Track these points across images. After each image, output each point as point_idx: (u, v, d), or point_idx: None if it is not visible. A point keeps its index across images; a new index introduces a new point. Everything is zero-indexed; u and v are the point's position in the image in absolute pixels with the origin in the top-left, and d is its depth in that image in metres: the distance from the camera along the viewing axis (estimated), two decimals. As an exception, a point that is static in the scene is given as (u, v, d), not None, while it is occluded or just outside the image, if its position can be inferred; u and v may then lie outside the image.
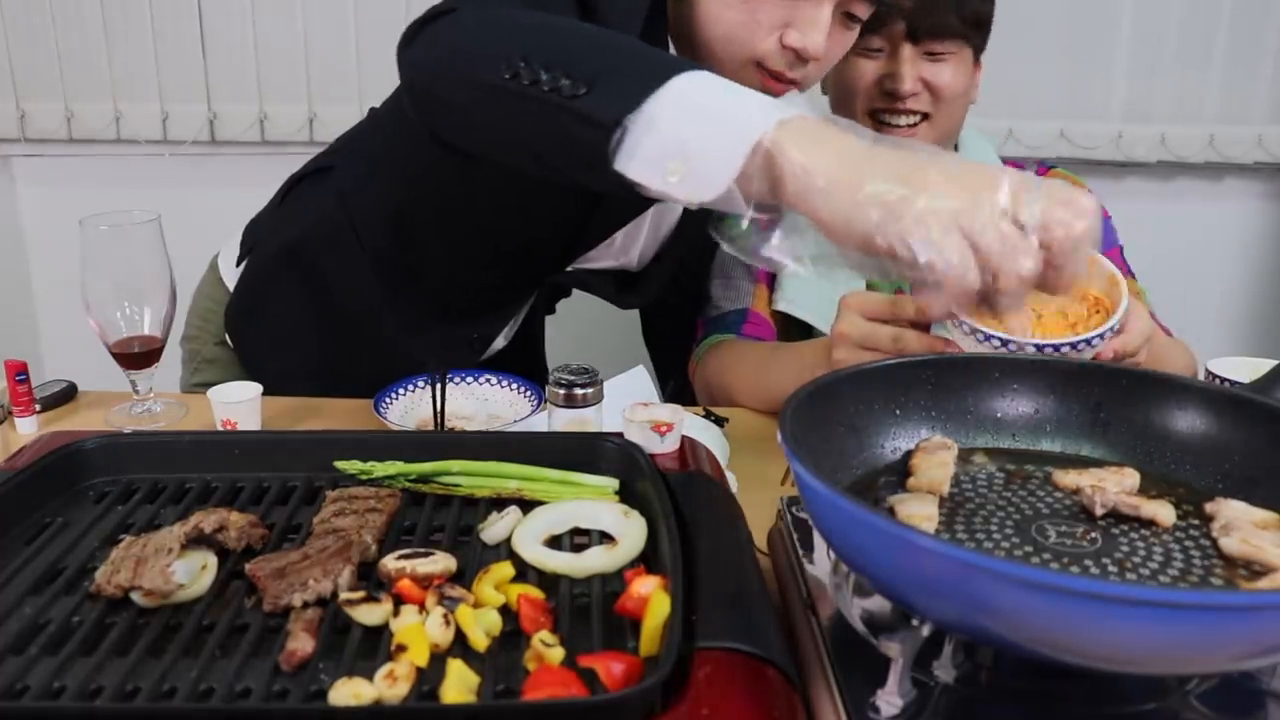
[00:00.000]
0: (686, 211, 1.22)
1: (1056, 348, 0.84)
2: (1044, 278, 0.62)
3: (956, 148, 1.32)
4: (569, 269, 1.23)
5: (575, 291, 1.34)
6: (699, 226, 1.25)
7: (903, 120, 1.20)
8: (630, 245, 1.24)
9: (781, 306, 1.26)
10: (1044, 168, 1.35)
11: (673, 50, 1.08)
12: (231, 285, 1.27)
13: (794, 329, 1.25)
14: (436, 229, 1.16)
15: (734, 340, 1.25)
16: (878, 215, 0.60)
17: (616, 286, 1.31)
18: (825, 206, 0.63)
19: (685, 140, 0.66)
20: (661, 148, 0.67)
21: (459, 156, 0.92)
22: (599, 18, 0.95)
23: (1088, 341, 0.85)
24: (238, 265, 1.26)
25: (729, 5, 0.99)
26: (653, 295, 1.33)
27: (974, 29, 1.20)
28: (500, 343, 1.32)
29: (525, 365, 1.32)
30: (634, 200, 0.78)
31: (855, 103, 1.22)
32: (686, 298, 1.37)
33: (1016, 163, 1.35)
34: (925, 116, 1.21)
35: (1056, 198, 0.61)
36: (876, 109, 1.21)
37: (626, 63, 0.72)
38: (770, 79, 1.03)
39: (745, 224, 0.67)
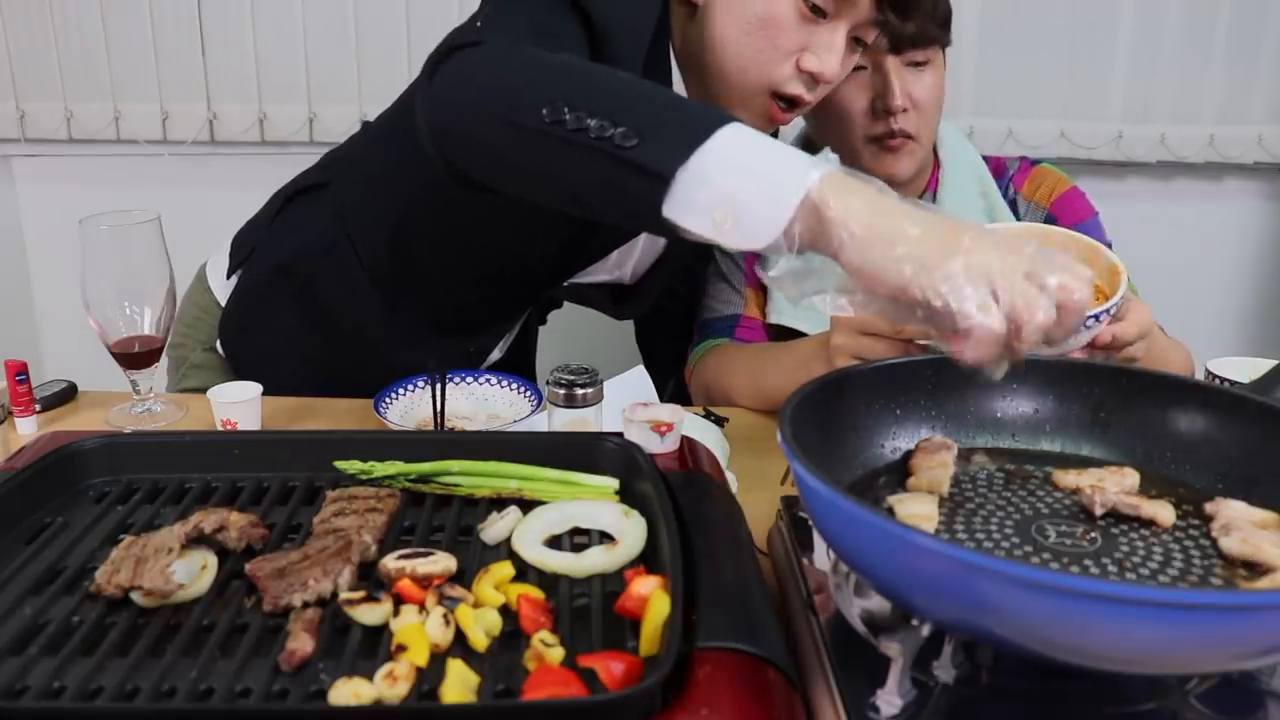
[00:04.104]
0: None
1: None
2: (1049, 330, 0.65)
3: (936, 148, 1.32)
4: (564, 283, 1.23)
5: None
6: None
7: (895, 139, 1.19)
8: (625, 259, 1.24)
9: (774, 319, 1.26)
10: (1027, 163, 1.34)
11: (676, 73, 1.08)
12: (220, 296, 1.26)
13: (787, 337, 1.25)
14: (436, 247, 1.15)
15: (729, 344, 1.25)
16: (911, 269, 0.64)
17: (612, 298, 1.31)
18: (863, 258, 0.66)
19: (734, 193, 0.69)
20: (712, 199, 0.69)
21: (475, 191, 0.90)
22: (607, 41, 0.95)
23: (1082, 321, 0.85)
24: (228, 277, 1.26)
25: (747, 32, 1.00)
26: (648, 305, 1.33)
27: (946, 31, 1.20)
28: (497, 354, 1.32)
29: (517, 373, 1.31)
30: None
31: (852, 129, 1.21)
32: (681, 303, 1.37)
33: (1000, 159, 1.35)
34: (910, 137, 1.20)
35: (1067, 268, 0.65)
36: (875, 134, 1.20)
37: (669, 113, 0.74)
38: (777, 104, 1.05)
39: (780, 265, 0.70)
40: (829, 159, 0.69)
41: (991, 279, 0.63)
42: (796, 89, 1.03)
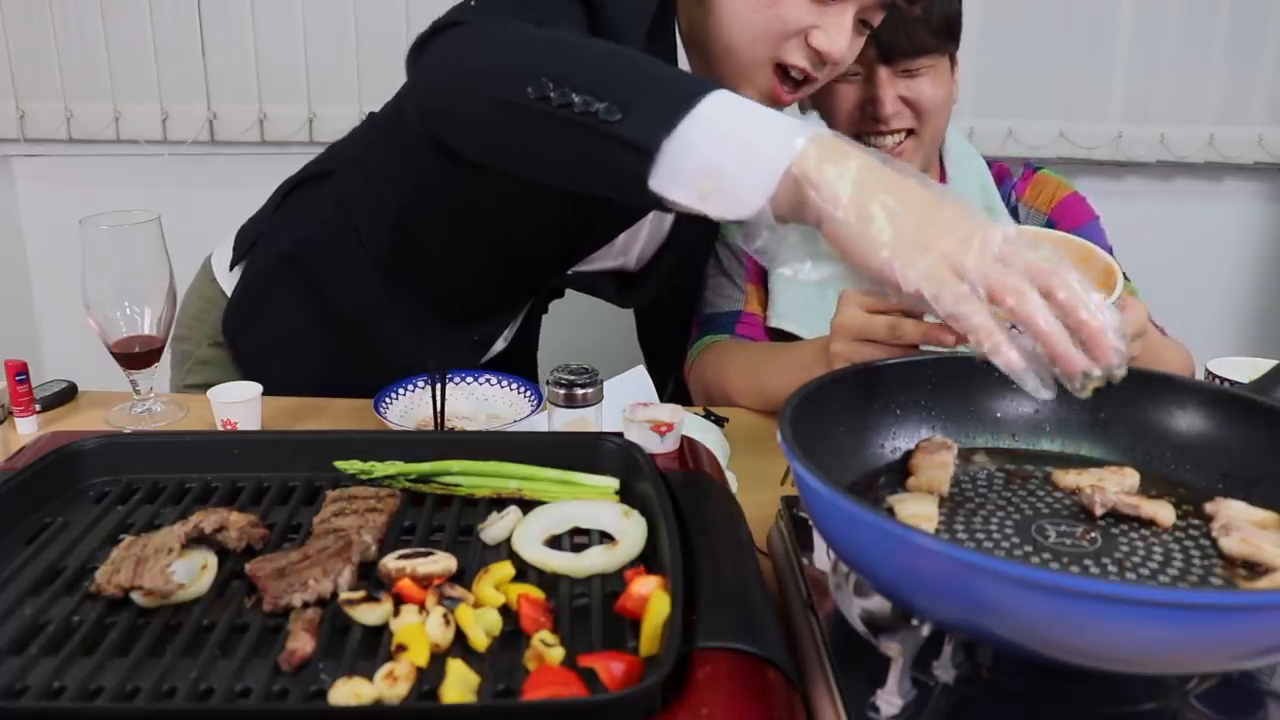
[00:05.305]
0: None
1: None
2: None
3: (941, 154, 1.32)
4: (569, 271, 1.24)
5: (571, 293, 1.34)
6: (696, 225, 1.25)
7: (889, 140, 1.20)
8: (630, 245, 1.24)
9: (774, 323, 1.26)
10: (1030, 169, 1.34)
11: (681, 49, 1.08)
12: (226, 287, 1.26)
13: (786, 338, 1.25)
14: (440, 234, 1.16)
15: (729, 340, 1.25)
16: (888, 252, 0.63)
17: (616, 286, 1.31)
18: (841, 233, 0.66)
19: (720, 163, 0.69)
20: (697, 170, 0.69)
21: (464, 167, 0.91)
22: (605, 17, 0.95)
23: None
24: (231, 269, 1.26)
25: (754, 8, 1.01)
26: (654, 293, 1.33)
27: (947, 38, 1.19)
28: (501, 344, 1.32)
29: (519, 366, 1.31)
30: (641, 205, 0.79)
31: (837, 127, 1.21)
32: (681, 297, 1.37)
33: (1003, 164, 1.35)
34: (910, 132, 1.20)
35: (1041, 251, 0.64)
36: (860, 132, 1.21)
37: (653, 84, 0.74)
38: (783, 81, 1.05)
39: (762, 236, 0.69)
40: (816, 123, 0.69)
41: (956, 259, 0.62)
42: (802, 62, 1.03)
